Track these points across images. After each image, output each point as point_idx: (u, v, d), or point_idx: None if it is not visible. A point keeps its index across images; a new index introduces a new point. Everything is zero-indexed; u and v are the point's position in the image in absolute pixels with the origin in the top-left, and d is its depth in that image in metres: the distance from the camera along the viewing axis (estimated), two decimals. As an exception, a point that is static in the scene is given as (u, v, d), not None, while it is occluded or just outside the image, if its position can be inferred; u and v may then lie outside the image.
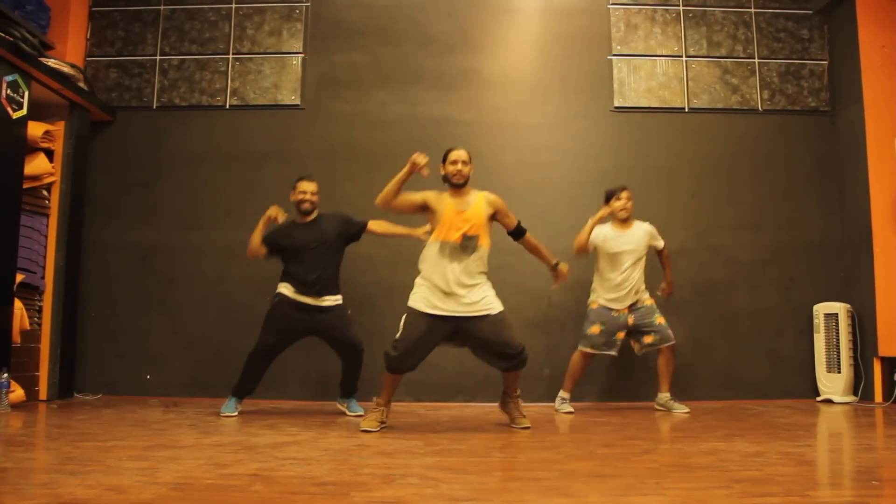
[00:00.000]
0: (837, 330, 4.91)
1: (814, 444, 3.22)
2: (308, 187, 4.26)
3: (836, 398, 4.85)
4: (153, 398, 4.91)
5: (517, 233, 3.81)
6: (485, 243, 3.64)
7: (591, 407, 4.74)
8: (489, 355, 3.64)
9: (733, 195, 5.28)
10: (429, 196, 3.66)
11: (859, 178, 5.03)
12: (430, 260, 3.61)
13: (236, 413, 4.14)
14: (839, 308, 4.94)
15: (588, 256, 4.58)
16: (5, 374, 4.03)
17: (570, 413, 4.38)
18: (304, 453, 2.76)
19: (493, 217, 3.73)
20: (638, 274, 4.54)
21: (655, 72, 5.39)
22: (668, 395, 4.52)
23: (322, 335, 4.22)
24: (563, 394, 4.55)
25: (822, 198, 5.30)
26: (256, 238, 4.18)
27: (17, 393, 4.30)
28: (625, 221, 4.56)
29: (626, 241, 4.51)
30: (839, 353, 4.88)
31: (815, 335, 5.06)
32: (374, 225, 4.33)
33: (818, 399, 4.98)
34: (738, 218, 5.26)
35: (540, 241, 3.91)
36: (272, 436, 3.27)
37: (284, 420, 3.92)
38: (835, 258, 5.22)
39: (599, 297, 4.53)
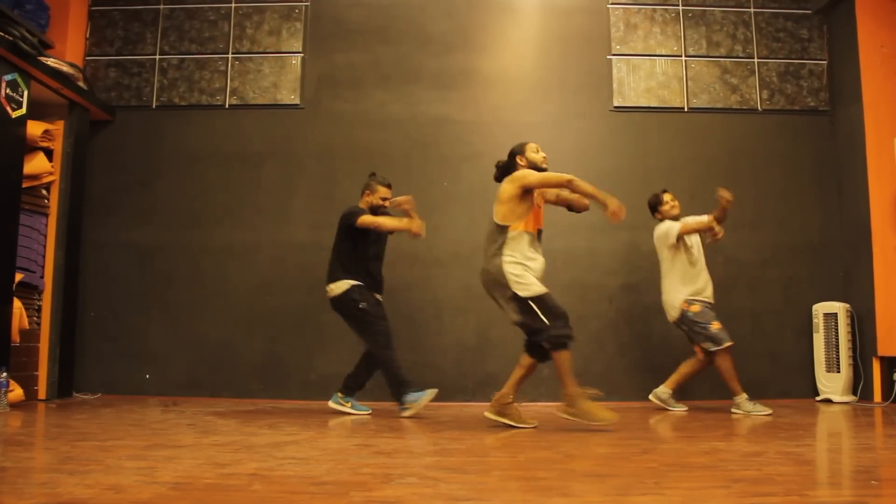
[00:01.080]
0: (837, 330, 4.91)
1: (813, 444, 3.22)
2: (389, 192, 4.35)
3: (835, 398, 4.85)
4: (152, 398, 4.91)
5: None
6: None
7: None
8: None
9: (732, 195, 5.27)
10: None
11: (858, 178, 5.03)
12: (529, 250, 3.64)
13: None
14: (838, 308, 4.94)
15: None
16: (4, 374, 4.03)
17: (769, 414, 4.16)
18: (304, 453, 2.76)
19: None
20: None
21: (655, 71, 5.39)
22: (670, 391, 4.54)
23: None
24: (742, 396, 4.29)
25: (822, 197, 5.31)
26: (386, 226, 4.20)
27: (17, 392, 4.30)
28: (678, 219, 4.62)
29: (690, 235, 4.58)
30: (838, 352, 4.89)
31: (815, 335, 5.06)
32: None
33: (817, 399, 4.98)
34: (737, 218, 5.23)
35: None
36: (271, 435, 3.26)
37: (284, 419, 3.92)
38: (834, 258, 5.22)
39: (694, 296, 4.44)
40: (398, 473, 2.36)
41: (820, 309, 5.05)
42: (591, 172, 5.18)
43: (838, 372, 4.87)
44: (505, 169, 3.83)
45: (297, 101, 5.34)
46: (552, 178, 3.62)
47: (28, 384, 4.53)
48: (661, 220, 4.65)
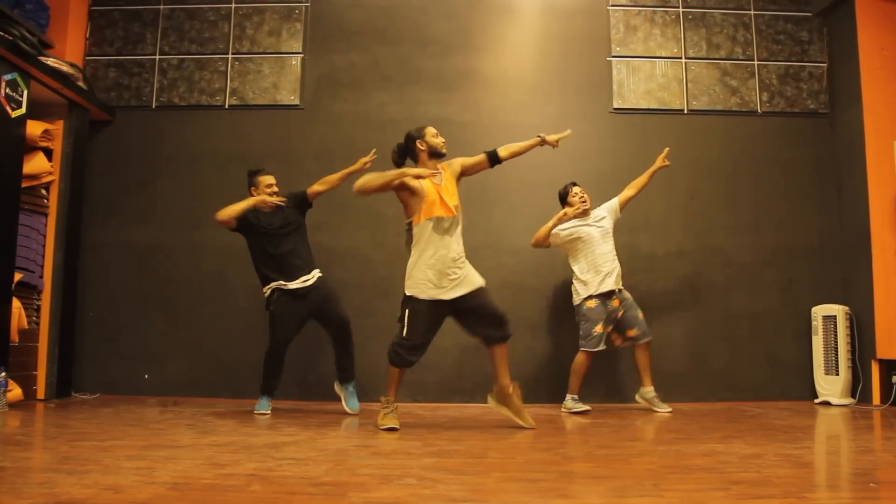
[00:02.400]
0: (836, 332, 4.91)
1: (812, 447, 3.22)
2: (272, 179, 4.44)
3: (834, 400, 4.85)
4: (151, 398, 4.91)
5: (494, 158, 3.82)
6: (460, 211, 3.75)
7: (590, 408, 4.73)
8: (483, 326, 3.62)
9: (732, 197, 5.28)
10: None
11: (858, 181, 5.03)
12: (425, 240, 3.60)
13: (269, 411, 4.25)
14: (837, 310, 4.94)
15: (546, 249, 4.71)
16: (3, 373, 4.03)
17: (587, 411, 4.41)
18: (302, 453, 2.76)
19: (461, 176, 3.80)
20: (613, 249, 4.59)
21: (655, 73, 5.40)
22: (652, 389, 4.56)
23: (315, 314, 4.34)
24: (572, 395, 4.54)
25: (821, 200, 5.31)
26: (236, 210, 4.26)
27: (15, 392, 4.30)
28: (585, 213, 4.63)
29: (593, 224, 4.59)
30: (837, 355, 4.88)
31: (814, 337, 5.06)
32: (316, 187, 4.44)
33: (816, 401, 4.98)
34: (736, 220, 5.26)
35: (510, 144, 3.85)
36: (270, 436, 3.26)
37: (282, 420, 3.92)
38: (833, 260, 5.23)
39: (592, 291, 4.50)
40: (397, 474, 2.36)
41: (819, 311, 5.04)
42: (591, 174, 5.22)
43: (837, 374, 4.87)
44: (403, 153, 3.83)
45: (297, 102, 5.34)
46: (380, 180, 3.56)
47: (27, 384, 4.53)
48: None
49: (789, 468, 2.50)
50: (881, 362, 4.82)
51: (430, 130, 3.77)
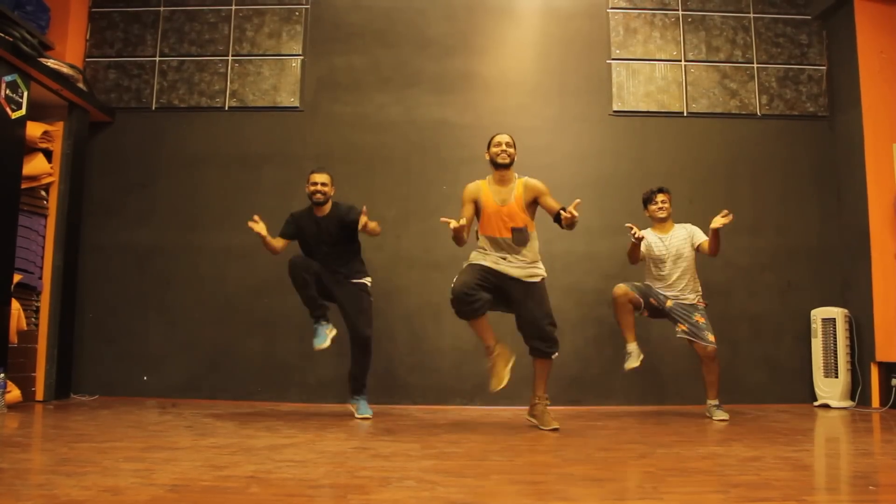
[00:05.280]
0: (835, 335, 4.91)
1: (811, 449, 3.22)
2: (318, 178, 4.27)
3: (833, 403, 4.85)
4: (150, 399, 4.90)
5: (557, 218, 3.75)
6: (531, 229, 3.76)
7: (589, 410, 4.74)
8: (529, 336, 3.76)
9: (731, 200, 5.27)
10: (472, 194, 3.78)
11: (857, 183, 5.04)
12: (483, 245, 3.81)
13: (328, 340, 4.19)
14: (837, 313, 4.95)
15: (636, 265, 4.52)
16: (2, 375, 4.03)
17: (638, 363, 4.31)
18: (301, 456, 2.76)
19: (534, 202, 3.77)
20: (681, 272, 4.41)
21: (654, 76, 5.40)
22: (713, 401, 4.33)
23: (340, 307, 4.28)
24: (628, 347, 4.36)
25: (821, 203, 5.31)
26: (271, 245, 4.29)
27: (14, 393, 4.30)
28: (663, 222, 4.48)
29: (667, 247, 4.42)
30: (836, 357, 4.89)
31: (813, 340, 5.06)
32: (370, 225, 4.24)
33: (815, 404, 4.98)
34: (736, 222, 5.19)
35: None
36: (269, 438, 3.26)
37: (282, 422, 3.92)
38: (833, 263, 5.23)
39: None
40: (396, 477, 2.36)
41: (818, 314, 5.05)
42: (590, 177, 5.23)
43: (836, 377, 4.88)
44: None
45: (297, 104, 5.35)
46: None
47: (25, 385, 4.52)
48: (649, 216, 4.55)
49: (789, 471, 2.50)
50: (880, 365, 4.82)
51: (494, 139, 3.81)
